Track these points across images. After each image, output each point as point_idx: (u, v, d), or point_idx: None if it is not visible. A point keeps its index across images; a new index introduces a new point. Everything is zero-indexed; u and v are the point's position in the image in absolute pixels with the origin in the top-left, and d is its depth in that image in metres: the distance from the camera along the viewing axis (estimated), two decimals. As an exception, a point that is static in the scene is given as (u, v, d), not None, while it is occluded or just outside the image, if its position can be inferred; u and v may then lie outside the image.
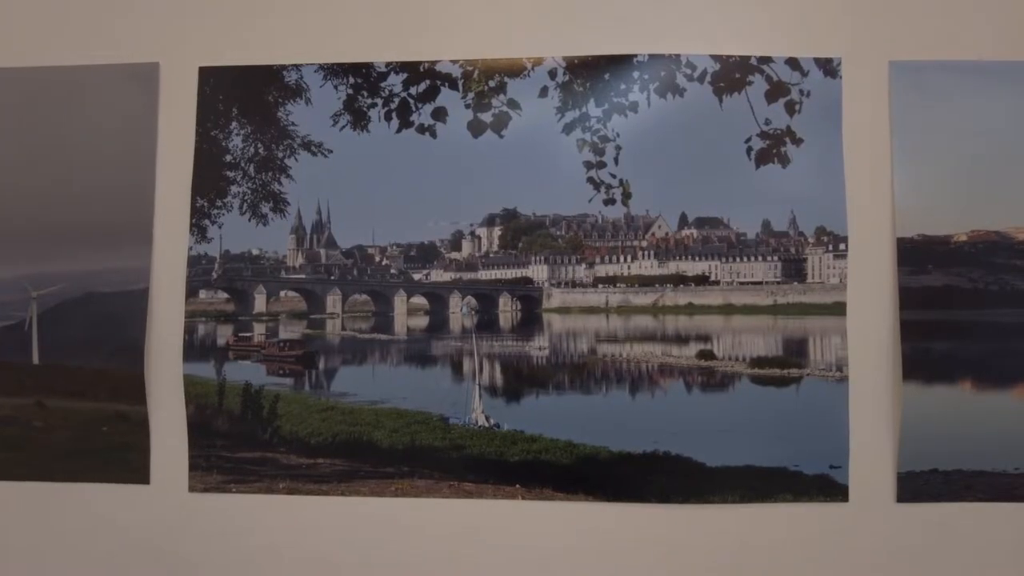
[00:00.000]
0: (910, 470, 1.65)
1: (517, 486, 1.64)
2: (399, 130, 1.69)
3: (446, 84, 1.70)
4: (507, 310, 1.72)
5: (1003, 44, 1.70)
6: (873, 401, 1.66)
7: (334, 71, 1.72)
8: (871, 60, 1.69)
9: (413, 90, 1.70)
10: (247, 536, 1.69)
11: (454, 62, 1.70)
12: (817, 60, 1.68)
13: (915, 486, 1.64)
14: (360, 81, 1.71)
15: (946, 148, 1.68)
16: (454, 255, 1.71)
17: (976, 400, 1.66)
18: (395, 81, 1.71)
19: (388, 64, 1.71)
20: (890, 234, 1.67)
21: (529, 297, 1.72)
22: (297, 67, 1.73)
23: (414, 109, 1.70)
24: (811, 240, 1.69)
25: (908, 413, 1.64)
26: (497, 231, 1.71)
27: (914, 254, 1.66)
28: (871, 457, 1.65)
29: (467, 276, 1.71)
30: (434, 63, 1.70)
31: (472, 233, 1.71)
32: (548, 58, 1.69)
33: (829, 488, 1.64)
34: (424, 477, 1.65)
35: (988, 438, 1.66)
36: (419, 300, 1.74)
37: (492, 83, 1.68)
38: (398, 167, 1.69)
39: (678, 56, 1.67)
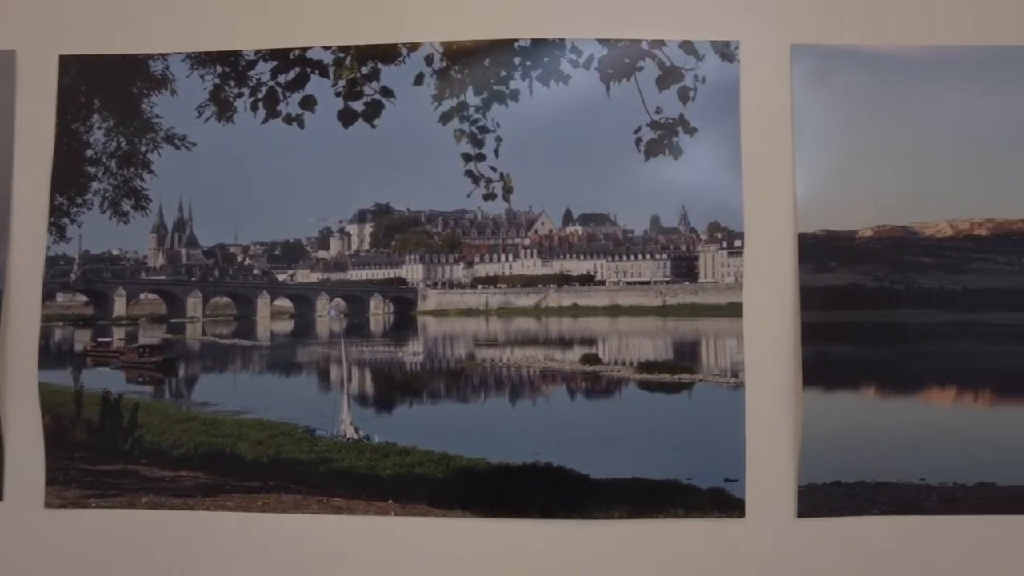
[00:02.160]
0: (811, 483, 1.54)
1: (390, 501, 1.54)
2: (265, 120, 1.59)
3: (317, 71, 1.59)
4: (378, 313, 1.61)
5: (912, 29, 1.59)
6: (771, 409, 1.55)
7: (201, 60, 1.62)
8: (771, 43, 1.57)
9: (282, 78, 1.60)
10: (108, 554, 1.59)
11: (326, 48, 1.59)
12: (714, 44, 1.57)
13: (816, 500, 1.53)
14: (228, 70, 1.61)
15: (851, 138, 1.57)
16: (321, 254, 1.60)
17: (880, 407, 1.55)
18: (264, 69, 1.60)
19: (258, 52, 1.61)
20: (791, 230, 1.56)
21: (402, 299, 1.61)
22: (163, 56, 1.62)
23: (282, 98, 1.59)
24: (703, 237, 1.58)
25: (808, 422, 1.53)
26: (368, 228, 1.60)
27: (816, 251, 1.55)
28: (769, 469, 1.54)
29: (336, 277, 1.60)
30: (305, 50, 1.60)
31: (341, 230, 1.60)
32: (425, 43, 1.58)
33: (724, 503, 1.53)
34: (291, 492, 1.54)
35: (893, 447, 1.54)
36: (284, 303, 1.63)
37: (365, 70, 1.58)
38: (263, 161, 1.58)
39: (563, 41, 1.56)
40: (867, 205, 1.56)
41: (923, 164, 1.57)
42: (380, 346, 1.60)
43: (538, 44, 1.56)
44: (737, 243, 1.56)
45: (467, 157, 1.56)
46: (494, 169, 1.56)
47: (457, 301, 1.58)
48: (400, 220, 1.59)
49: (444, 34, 1.58)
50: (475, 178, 1.56)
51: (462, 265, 1.60)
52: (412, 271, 1.60)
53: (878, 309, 1.55)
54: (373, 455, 1.54)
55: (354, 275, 1.60)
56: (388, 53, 1.58)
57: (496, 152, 1.56)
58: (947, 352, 1.56)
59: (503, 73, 1.56)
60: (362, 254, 1.61)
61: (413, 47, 1.58)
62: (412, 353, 1.58)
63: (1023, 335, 1.56)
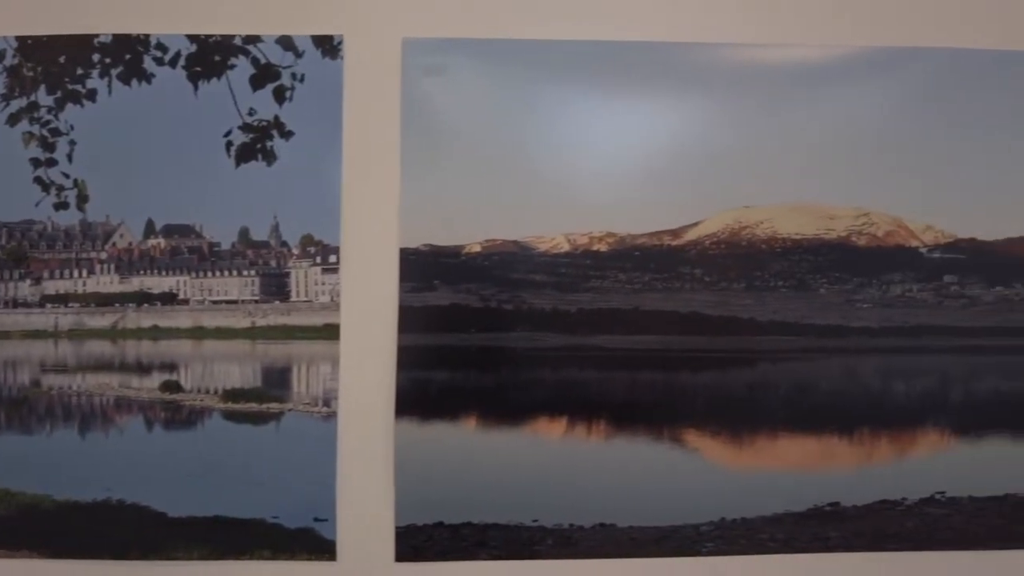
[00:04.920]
0: (411, 523, 1.40)
1: (-48, 542, 1.41)
2: None
3: None
4: (-63, 335, 1.48)
5: (553, 19, 1.43)
6: (366, 441, 1.41)
7: None
8: (380, 36, 1.42)
9: None
10: None
11: None
12: (315, 38, 1.42)
13: (417, 543, 1.40)
14: None
15: (466, 143, 1.42)
16: None
17: (483, 440, 1.41)
18: None
19: None
20: (393, 244, 1.41)
21: (-39, 320, 1.47)
22: None
23: None
24: (296, 251, 1.44)
25: (403, 456, 1.39)
26: (-71, 243, 1.47)
27: (418, 268, 1.40)
28: (364, 508, 1.41)
29: None
30: None
31: (-100, 246, 1.47)
32: (0, 38, 1.44)
33: (314, 544, 1.40)
34: None
35: (500, 485, 1.41)
36: None
37: (-66, 68, 1.44)
38: None
39: (147, 37, 1.42)
40: (478, 217, 1.41)
41: (543, 172, 1.42)
42: (-63, 372, 1.46)
43: (120, 40, 1.42)
44: (333, 258, 1.42)
45: (36, 162, 1.42)
46: (67, 175, 1.42)
47: (22, 322, 1.44)
48: (-39, 233, 1.45)
49: (18, 28, 1.44)
50: (45, 185, 1.42)
51: (29, 282, 1.45)
52: (-27, 289, 1.47)
53: (482, 332, 1.40)
54: (-73, 490, 1.41)
55: (-88, 294, 1.46)
56: (-41, 50, 1.44)
57: (69, 157, 1.41)
58: (557, 379, 1.42)
59: (80, 71, 1.42)
60: (-80, 271, 1.47)
61: (-12, 43, 1.44)
62: (-30, 380, 1.45)
63: (641, 360, 1.42)
